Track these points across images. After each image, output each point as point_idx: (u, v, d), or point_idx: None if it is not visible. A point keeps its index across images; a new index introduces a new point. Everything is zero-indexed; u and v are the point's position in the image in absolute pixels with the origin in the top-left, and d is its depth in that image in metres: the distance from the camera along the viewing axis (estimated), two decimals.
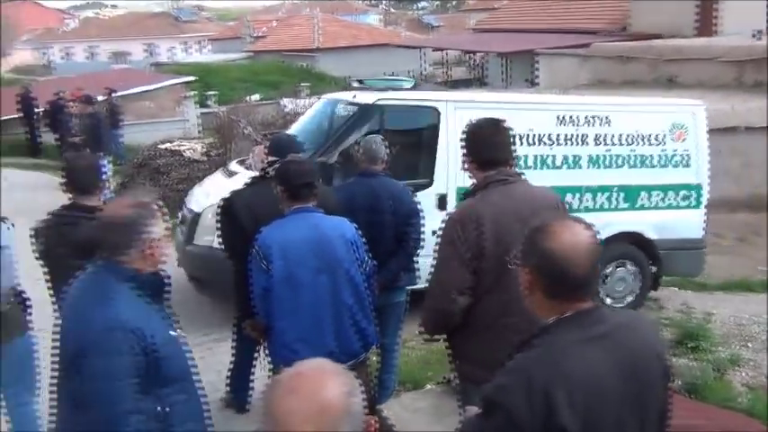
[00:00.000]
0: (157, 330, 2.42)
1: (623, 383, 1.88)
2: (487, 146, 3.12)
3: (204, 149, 11.84)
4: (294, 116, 12.57)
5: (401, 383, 5.23)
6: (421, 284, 4.90)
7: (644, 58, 16.98)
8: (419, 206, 4.66)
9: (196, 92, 21.51)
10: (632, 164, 6.88)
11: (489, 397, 1.87)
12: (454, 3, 71.57)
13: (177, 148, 11.47)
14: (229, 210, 4.16)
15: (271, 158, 4.06)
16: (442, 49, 28.96)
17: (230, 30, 48.25)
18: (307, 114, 8.15)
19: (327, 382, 1.37)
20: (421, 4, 73.36)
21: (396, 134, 6.44)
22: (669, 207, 6.96)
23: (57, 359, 2.48)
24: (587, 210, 6.69)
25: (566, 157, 6.71)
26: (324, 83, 26.79)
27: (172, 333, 2.53)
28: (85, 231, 3.23)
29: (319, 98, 8.05)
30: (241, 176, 6.91)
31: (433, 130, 6.52)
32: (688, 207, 7.00)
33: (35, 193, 11.30)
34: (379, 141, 4.73)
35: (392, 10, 69.46)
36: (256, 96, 21.68)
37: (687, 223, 7.02)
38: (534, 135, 6.59)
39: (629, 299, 6.96)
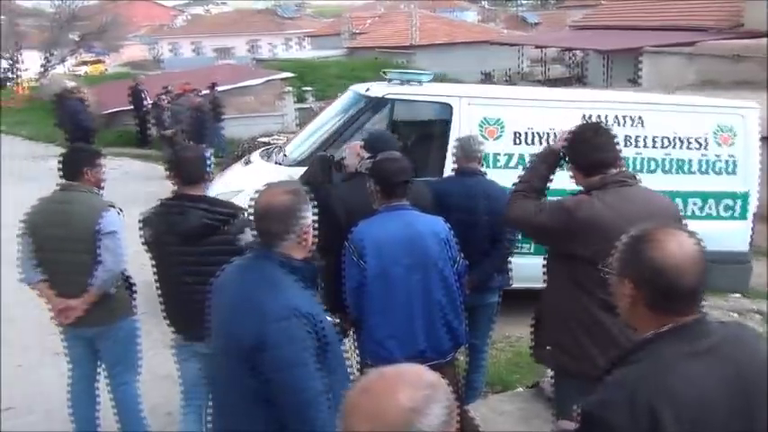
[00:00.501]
0: (322, 316, 2.42)
1: (731, 400, 1.78)
2: (591, 148, 3.03)
3: None
4: None
5: (489, 385, 5.18)
6: (515, 285, 4.87)
7: (756, 57, 16.05)
8: None
9: (294, 87, 21.99)
10: (666, 169, 6.40)
11: (590, 411, 1.79)
12: None
13: (275, 141, 11.75)
14: (325, 203, 4.20)
15: (366, 155, 4.09)
16: (540, 47, 28.39)
17: (329, 26, 48.99)
18: (333, 105, 8.04)
19: (398, 391, 1.34)
20: (520, 1, 72.15)
21: (406, 128, 6.49)
22: (709, 217, 6.37)
23: (216, 361, 2.44)
24: None
25: None
26: None
27: (329, 319, 2.52)
28: (196, 220, 3.37)
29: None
30: (256, 166, 7.03)
31: (446, 125, 6.39)
32: (732, 218, 6.39)
33: (145, 182, 11.91)
34: (475, 138, 4.68)
35: (490, 7, 68.66)
36: None
37: (730, 235, 6.33)
38: (557, 135, 6.28)
39: None
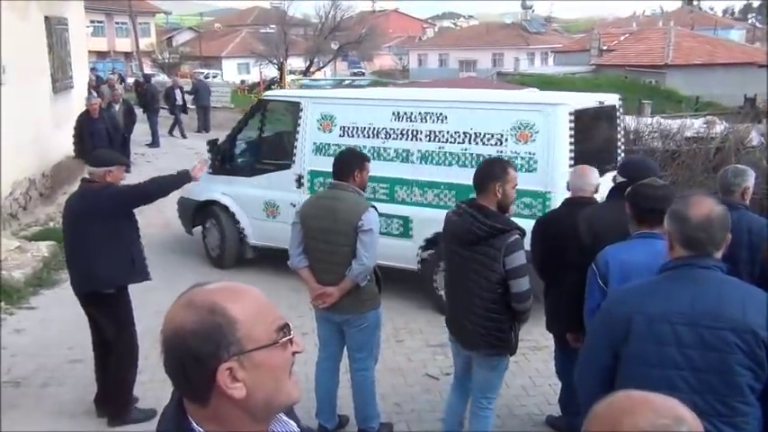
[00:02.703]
0: None
1: None
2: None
3: None
4: (636, 134, 12.19)
5: None
6: None
7: None
8: None
9: None
10: (462, 163, 6.58)
11: None
12: None
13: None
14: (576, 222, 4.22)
15: (620, 179, 4.05)
16: None
17: (576, 42, 47.97)
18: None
19: (640, 412, 1.36)
20: None
21: (273, 123, 8.62)
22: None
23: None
24: (417, 204, 6.87)
25: (398, 151, 6.96)
26: (670, 101, 25.28)
27: None
28: (467, 227, 3.69)
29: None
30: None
31: (297, 120, 7.63)
32: (532, 217, 5.73)
33: None
34: (733, 170, 4.37)
35: (759, 25, 62.58)
36: None
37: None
38: (372, 129, 7.10)
39: None
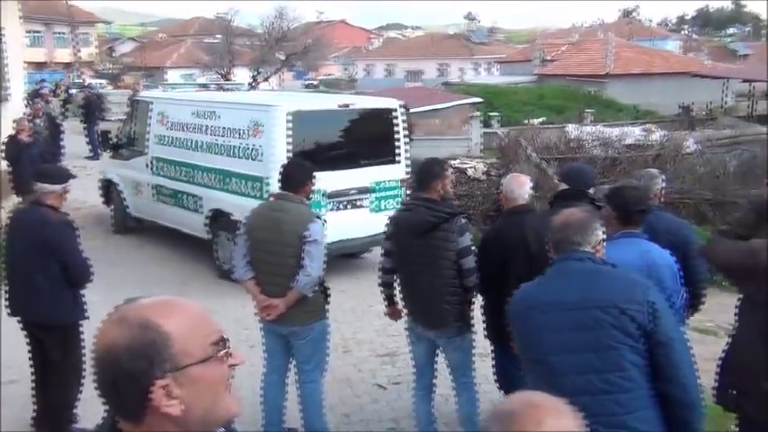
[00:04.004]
0: None
1: None
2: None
3: (485, 169, 12.21)
4: (577, 142, 12.48)
5: None
6: None
7: None
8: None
9: (481, 112, 22.20)
10: (225, 153, 8.34)
11: None
12: None
13: (461, 165, 11.97)
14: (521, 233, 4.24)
15: (563, 186, 4.12)
16: (749, 81, 26.42)
17: (520, 53, 48.86)
18: None
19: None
20: (730, 31, 67.44)
21: (137, 120, 10.09)
22: (239, 193, 8.08)
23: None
24: (204, 186, 8.62)
25: (195, 142, 8.79)
26: (611, 110, 26.00)
27: None
28: (423, 217, 4.05)
29: None
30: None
31: (149, 116, 9.61)
32: (255, 197, 7.61)
33: None
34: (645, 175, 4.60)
35: (695, 36, 64.89)
36: (539, 120, 21.76)
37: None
38: (183, 123, 9.03)
39: None
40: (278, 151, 7.49)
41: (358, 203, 8.22)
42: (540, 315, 2.71)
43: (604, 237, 2.85)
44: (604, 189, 3.86)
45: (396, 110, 8.64)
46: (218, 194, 8.39)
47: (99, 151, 17.65)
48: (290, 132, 7.58)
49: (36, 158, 9.62)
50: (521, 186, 4.36)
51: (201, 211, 8.64)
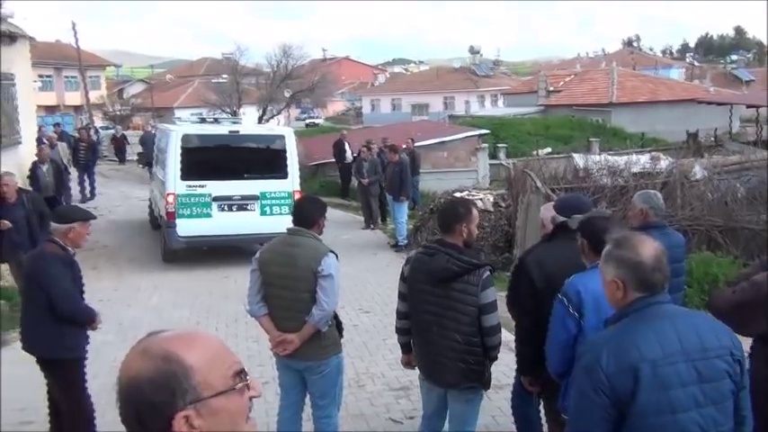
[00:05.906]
0: None
1: None
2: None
3: (494, 200, 12.24)
4: (585, 172, 12.49)
5: None
6: None
7: None
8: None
9: (487, 144, 22.32)
10: (160, 165, 11.97)
11: None
12: None
13: (470, 197, 12.00)
14: (522, 267, 4.15)
15: (560, 218, 4.10)
16: (753, 106, 26.47)
17: (524, 84, 49.24)
18: None
19: None
20: (732, 57, 67.77)
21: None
22: (161, 193, 11.67)
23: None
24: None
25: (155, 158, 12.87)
26: (617, 138, 26.04)
27: None
28: (442, 264, 3.79)
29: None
30: None
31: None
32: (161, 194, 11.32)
33: (343, 229, 13.13)
34: (655, 194, 4.76)
35: (698, 64, 65.20)
36: (546, 150, 21.83)
37: None
38: (160, 149, 12.50)
39: None
40: (173, 167, 10.43)
41: (246, 207, 10.70)
42: (669, 367, 2.34)
43: None
44: (579, 218, 3.82)
45: (285, 136, 11.12)
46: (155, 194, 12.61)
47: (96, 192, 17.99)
48: (182, 151, 10.42)
49: (20, 222, 7.99)
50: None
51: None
